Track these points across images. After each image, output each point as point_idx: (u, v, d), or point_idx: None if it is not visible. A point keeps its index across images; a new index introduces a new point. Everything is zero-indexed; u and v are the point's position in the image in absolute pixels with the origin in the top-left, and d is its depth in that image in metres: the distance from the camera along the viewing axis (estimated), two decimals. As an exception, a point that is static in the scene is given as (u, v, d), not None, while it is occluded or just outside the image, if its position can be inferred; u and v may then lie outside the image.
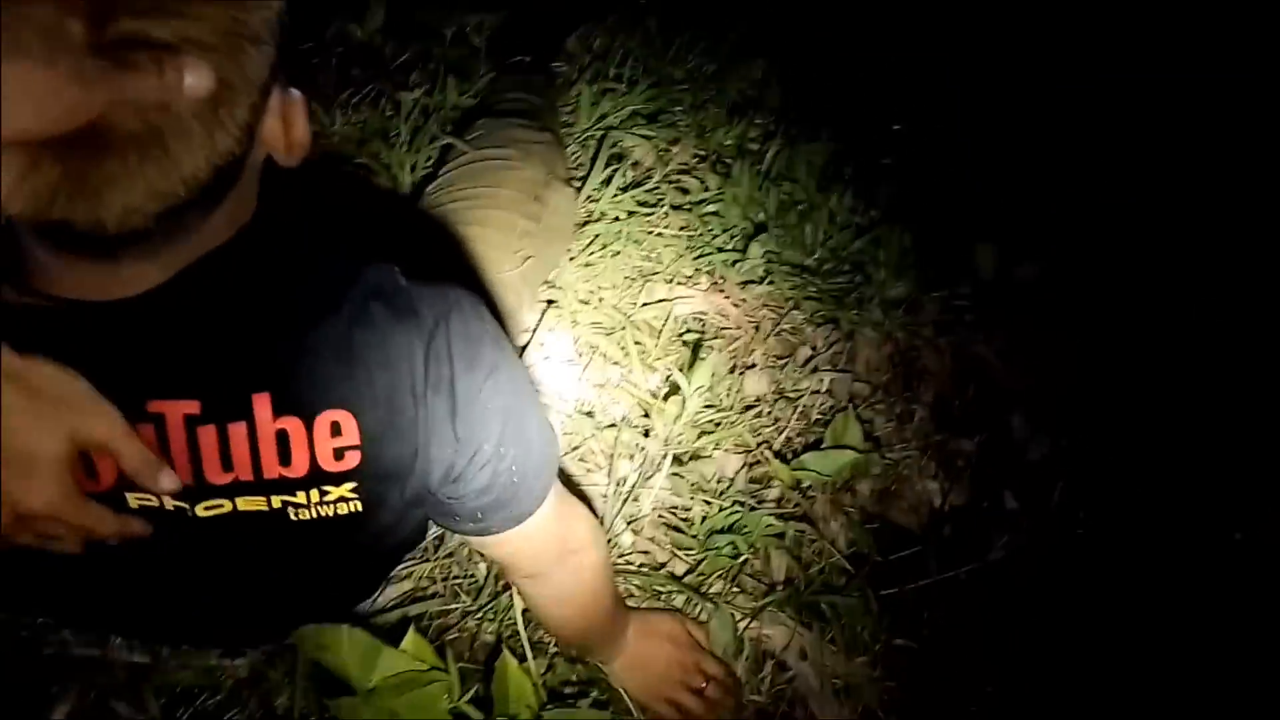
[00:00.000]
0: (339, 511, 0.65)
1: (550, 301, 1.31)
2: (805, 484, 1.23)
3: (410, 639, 0.87)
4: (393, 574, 1.06)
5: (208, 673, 1.00)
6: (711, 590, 1.12)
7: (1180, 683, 1.10)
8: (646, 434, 1.22)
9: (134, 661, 0.99)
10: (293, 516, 0.64)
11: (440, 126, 1.46)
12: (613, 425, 1.22)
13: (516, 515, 0.74)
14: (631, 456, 1.21)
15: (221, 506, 0.63)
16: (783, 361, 1.37)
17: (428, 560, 1.10)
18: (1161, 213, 1.63)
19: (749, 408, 1.30)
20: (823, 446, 1.24)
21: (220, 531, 0.64)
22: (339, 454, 0.62)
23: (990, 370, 1.46)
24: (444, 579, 1.11)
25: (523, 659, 0.95)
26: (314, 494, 0.64)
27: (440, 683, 0.84)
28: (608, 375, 1.28)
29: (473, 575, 1.10)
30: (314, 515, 0.65)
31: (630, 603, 1.09)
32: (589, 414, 1.23)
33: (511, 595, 1.03)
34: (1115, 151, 1.71)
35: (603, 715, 0.92)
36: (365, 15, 1.60)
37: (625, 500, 1.16)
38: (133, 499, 0.61)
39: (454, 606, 1.09)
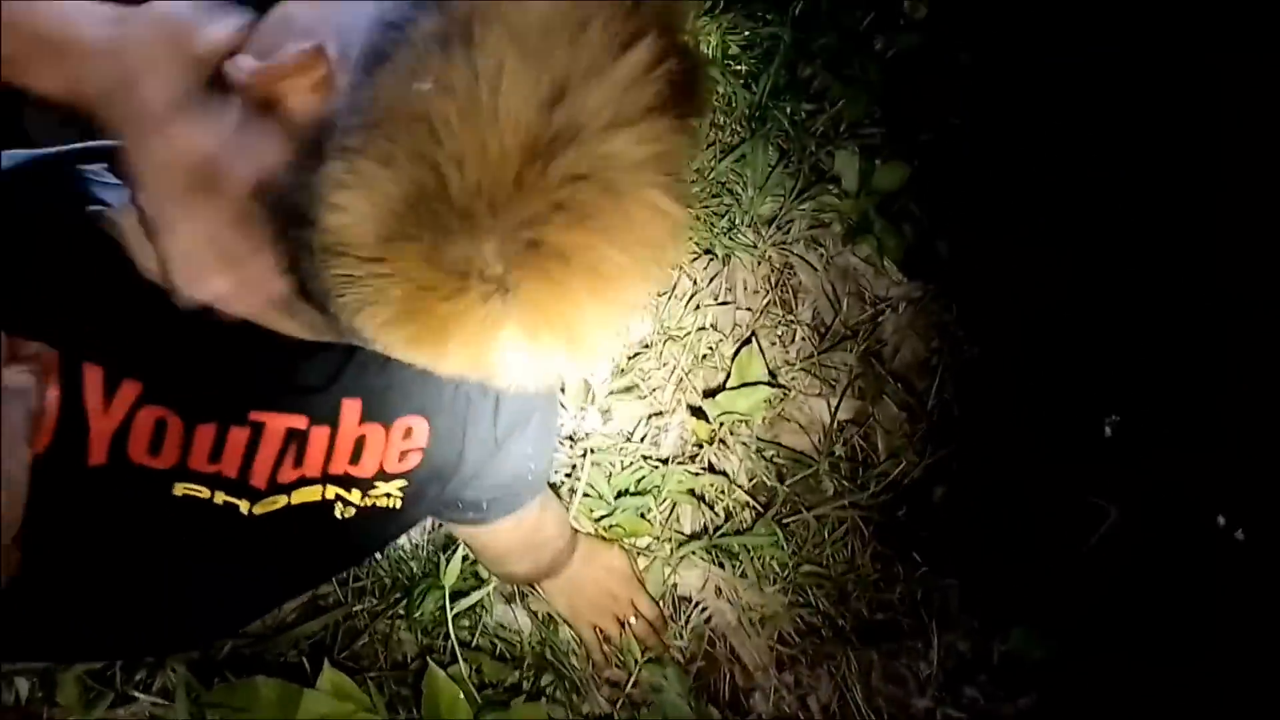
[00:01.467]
0: (377, 505, 0.64)
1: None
2: (720, 427, 1.23)
3: (326, 675, 0.82)
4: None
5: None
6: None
7: (1064, 568, 1.21)
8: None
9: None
10: (337, 515, 0.62)
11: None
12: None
13: (516, 506, 0.76)
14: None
15: (276, 503, 0.60)
16: (664, 298, 1.34)
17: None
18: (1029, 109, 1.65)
19: (637, 353, 1.27)
20: (730, 385, 1.23)
21: (257, 531, 0.60)
22: (403, 455, 0.62)
23: (861, 279, 1.49)
24: (343, 583, 1.05)
25: (449, 663, 0.92)
26: (366, 492, 0.62)
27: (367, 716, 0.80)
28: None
29: (376, 574, 1.05)
30: (356, 511, 0.63)
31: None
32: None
33: (430, 594, 1.00)
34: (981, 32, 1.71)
35: (537, 708, 0.91)
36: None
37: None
38: (180, 488, 0.56)
39: (358, 608, 1.04)
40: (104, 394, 0.51)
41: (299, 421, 0.57)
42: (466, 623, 1.05)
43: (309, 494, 0.60)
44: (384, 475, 0.62)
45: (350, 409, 0.58)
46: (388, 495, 0.63)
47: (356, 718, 0.79)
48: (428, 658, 0.93)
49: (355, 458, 0.60)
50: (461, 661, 0.93)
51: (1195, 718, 1.08)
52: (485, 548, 0.90)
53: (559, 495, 1.13)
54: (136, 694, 0.91)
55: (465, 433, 0.65)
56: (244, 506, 0.58)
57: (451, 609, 0.96)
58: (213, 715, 0.77)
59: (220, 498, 0.57)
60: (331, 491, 0.61)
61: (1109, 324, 1.35)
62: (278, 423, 0.56)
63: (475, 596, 1.00)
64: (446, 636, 0.99)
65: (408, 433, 0.61)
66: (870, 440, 1.34)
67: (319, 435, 0.58)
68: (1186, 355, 1.29)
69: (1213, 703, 1.07)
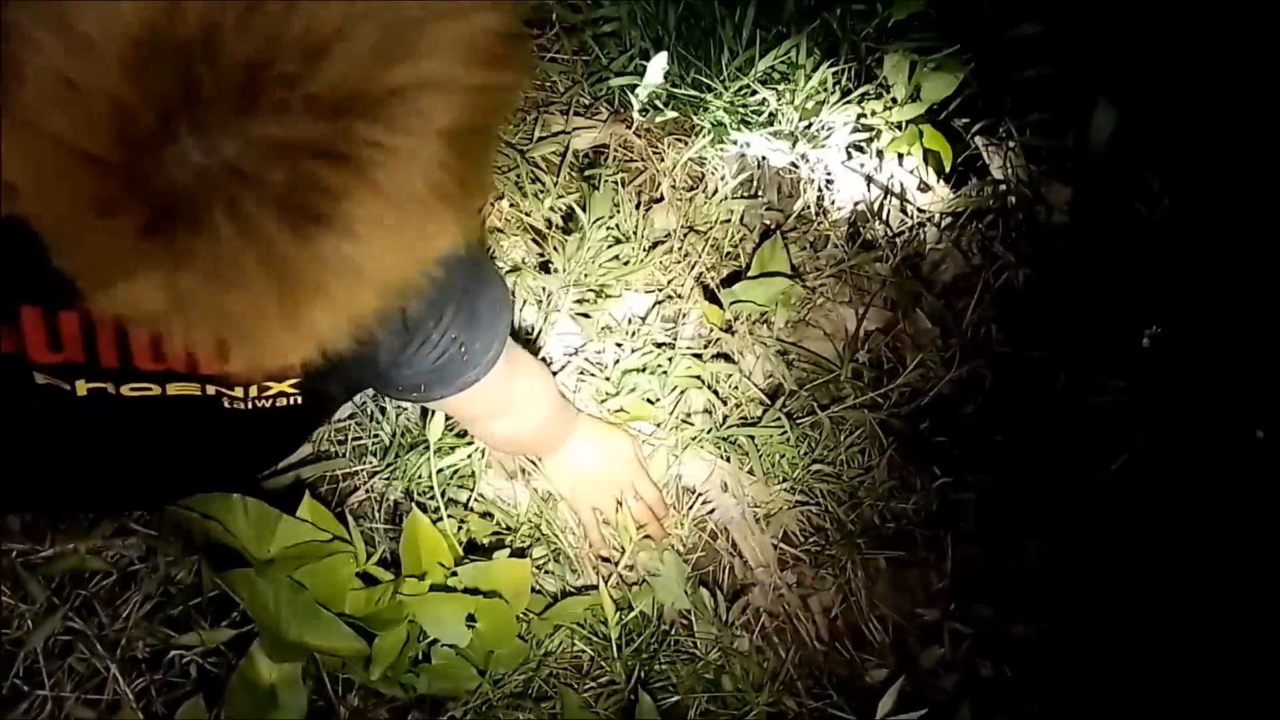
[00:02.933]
0: (277, 405, 0.61)
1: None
2: (735, 318, 1.19)
3: (306, 505, 0.82)
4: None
5: (96, 554, 0.94)
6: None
7: (1090, 486, 1.14)
8: (546, 269, 1.15)
9: (13, 548, 0.93)
10: (226, 405, 0.60)
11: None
12: (513, 270, 1.14)
13: (460, 385, 0.71)
14: (539, 303, 1.15)
15: (149, 390, 0.57)
16: (691, 193, 1.30)
17: (328, 425, 1.04)
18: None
19: (657, 244, 1.23)
20: (749, 275, 1.19)
21: (142, 410, 0.58)
22: None
23: (904, 189, 1.42)
24: (343, 441, 1.05)
25: (437, 520, 0.91)
26: (252, 390, 0.59)
27: (343, 552, 0.79)
28: (505, 216, 1.19)
29: (376, 435, 1.05)
30: (249, 407, 0.60)
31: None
32: (490, 257, 1.15)
33: (424, 453, 0.99)
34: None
35: (521, 564, 0.90)
36: None
37: (531, 346, 1.11)
38: (39, 377, 0.54)
39: (359, 468, 1.04)
40: None
41: None
42: (464, 492, 1.04)
43: (185, 388, 0.58)
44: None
45: None
46: (284, 395, 0.61)
47: (331, 548, 0.79)
48: (414, 504, 0.92)
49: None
50: (447, 518, 0.92)
51: (1213, 647, 1.02)
52: (451, 411, 0.87)
53: (557, 374, 1.11)
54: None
55: None
56: (109, 388, 0.57)
57: (437, 464, 0.94)
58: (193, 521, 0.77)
59: (82, 387, 0.55)
60: (211, 389, 0.59)
61: (1150, 240, 1.26)
62: None
63: (462, 454, 0.99)
64: (436, 495, 0.98)
65: None
66: (898, 352, 1.28)
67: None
68: (1229, 267, 1.20)
69: (1229, 628, 1.00)
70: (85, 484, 0.72)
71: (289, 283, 0.32)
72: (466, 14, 0.32)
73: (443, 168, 0.33)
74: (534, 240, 1.17)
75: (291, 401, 0.61)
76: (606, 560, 1.05)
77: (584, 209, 1.16)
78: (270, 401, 0.61)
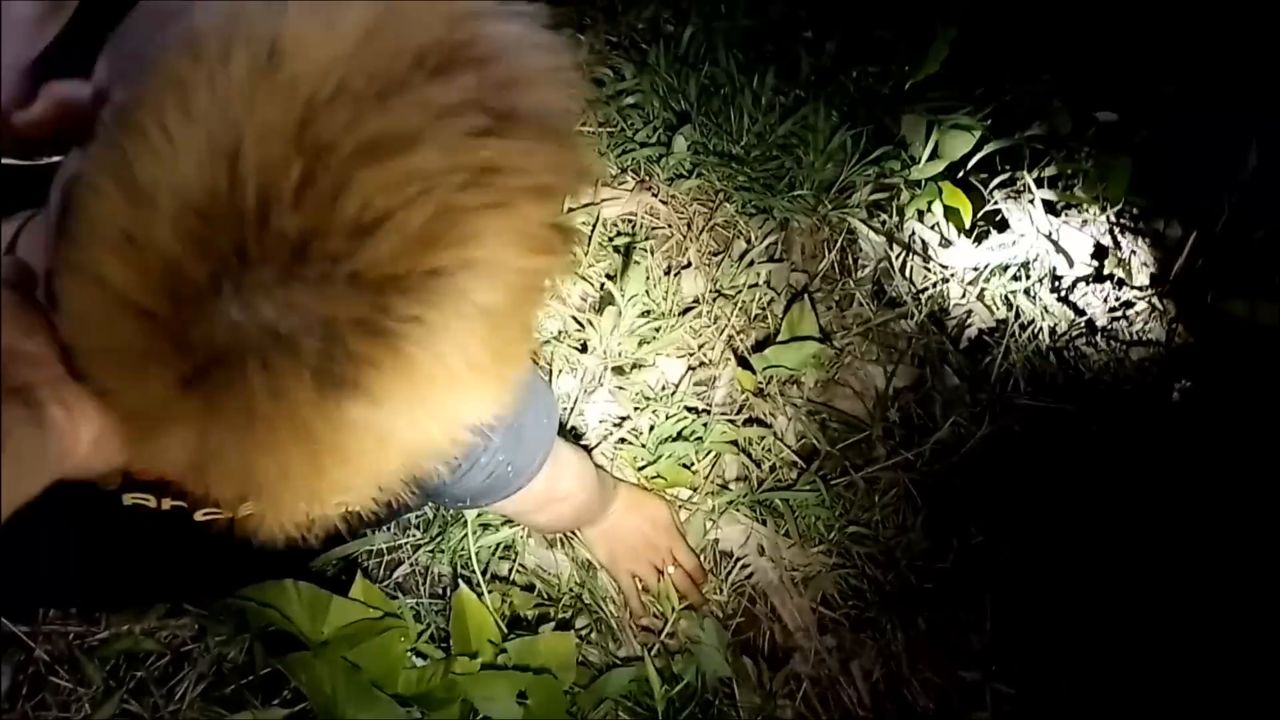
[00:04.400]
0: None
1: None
2: (766, 381, 1.21)
3: (359, 585, 0.84)
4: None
5: (150, 635, 0.96)
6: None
7: (1129, 546, 1.14)
8: (584, 348, 1.17)
9: (69, 630, 0.95)
10: None
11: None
12: (548, 341, 1.17)
13: (505, 496, 0.73)
14: (573, 371, 1.17)
15: (221, 514, 0.58)
16: (718, 257, 1.33)
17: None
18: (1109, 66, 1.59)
19: (687, 309, 1.26)
20: (780, 339, 1.21)
21: (210, 530, 0.59)
22: None
23: (927, 247, 1.44)
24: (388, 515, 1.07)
25: (480, 595, 0.93)
26: None
27: (394, 629, 0.81)
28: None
29: (421, 510, 1.07)
30: None
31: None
32: (523, 331, 1.18)
33: (465, 528, 1.01)
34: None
35: (566, 637, 0.91)
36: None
37: (571, 414, 1.13)
38: (128, 499, 0.57)
39: (403, 542, 1.06)
40: None
41: None
42: (505, 564, 1.06)
43: None
44: None
45: None
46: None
47: (383, 625, 0.80)
48: (460, 580, 0.94)
49: None
50: (488, 593, 0.94)
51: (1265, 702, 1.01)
52: (496, 510, 0.89)
53: (596, 445, 1.13)
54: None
55: None
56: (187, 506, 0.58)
57: (477, 541, 0.96)
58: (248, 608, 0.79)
59: (167, 503, 0.57)
60: None
61: (1177, 291, 1.27)
62: None
63: (505, 533, 1.00)
64: (481, 570, 0.99)
65: None
66: (928, 409, 1.29)
67: None
68: (1260, 324, 1.20)
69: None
70: (153, 584, 0.74)
71: (314, 444, 0.32)
72: (518, 205, 0.33)
73: (479, 342, 0.33)
74: (571, 315, 1.19)
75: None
76: (647, 629, 1.06)
77: (614, 280, 1.18)
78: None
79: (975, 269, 1.42)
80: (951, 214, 1.44)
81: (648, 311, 1.21)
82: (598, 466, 1.06)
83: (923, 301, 1.38)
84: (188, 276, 0.30)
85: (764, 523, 1.15)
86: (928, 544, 1.17)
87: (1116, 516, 1.15)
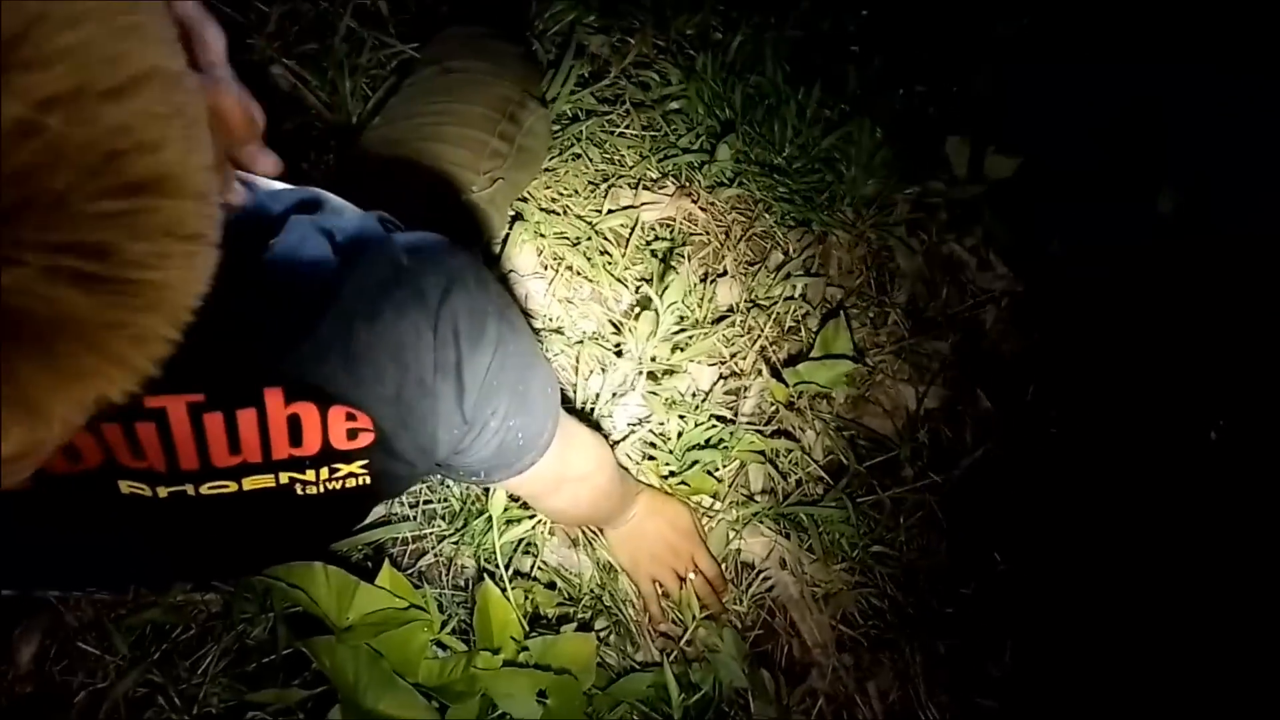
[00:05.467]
0: (346, 486, 0.62)
1: (515, 217, 1.24)
2: (797, 395, 1.20)
3: (385, 574, 0.84)
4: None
5: (176, 609, 0.97)
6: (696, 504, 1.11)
7: (1155, 582, 1.13)
8: (619, 352, 1.17)
9: (99, 599, 0.96)
10: (299, 492, 0.61)
11: (386, 37, 1.34)
12: (581, 341, 1.17)
13: (517, 469, 0.73)
14: (603, 371, 1.17)
15: (226, 487, 0.59)
16: (754, 267, 1.33)
17: (397, 488, 1.06)
18: (1141, 117, 1.58)
19: (721, 318, 1.26)
20: (813, 355, 1.21)
21: (220, 506, 0.60)
22: (352, 434, 0.59)
23: (964, 269, 1.44)
24: (414, 504, 1.08)
25: (503, 589, 0.93)
26: (323, 471, 0.61)
27: (419, 620, 0.81)
28: (575, 289, 1.23)
29: (446, 500, 1.07)
30: (321, 490, 0.62)
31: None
32: (558, 330, 1.19)
33: (490, 521, 1.01)
34: (1095, 31, 1.64)
35: (587, 639, 0.91)
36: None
37: (596, 415, 1.13)
38: (125, 486, 0.56)
39: (428, 531, 1.07)
40: None
41: (195, 397, 0.54)
42: (528, 559, 1.06)
43: (260, 481, 0.59)
44: (336, 454, 0.60)
45: (272, 395, 0.55)
46: (353, 475, 0.62)
47: (407, 615, 0.81)
48: (484, 574, 0.94)
49: (295, 439, 0.58)
50: (511, 589, 0.94)
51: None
52: (514, 489, 0.89)
53: (622, 447, 1.13)
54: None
55: (430, 416, 0.62)
56: (189, 489, 0.58)
57: (501, 536, 0.96)
58: (275, 587, 0.80)
59: (163, 491, 0.57)
60: (285, 477, 0.60)
61: (1219, 330, 1.26)
62: (178, 402, 0.53)
63: (526, 526, 1.01)
64: (505, 564, 1.00)
65: (350, 416, 0.58)
66: (958, 432, 1.29)
67: (247, 418, 0.55)
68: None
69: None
70: (166, 564, 0.74)
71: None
72: None
73: None
74: (604, 313, 1.20)
75: (361, 482, 0.62)
76: (666, 635, 1.06)
77: (651, 284, 1.19)
78: (340, 483, 0.62)
79: (1012, 293, 1.41)
80: (991, 236, 1.43)
81: (683, 317, 1.21)
82: (622, 468, 1.06)
83: (958, 323, 1.37)
84: None
85: (787, 536, 1.14)
86: (951, 568, 1.16)
87: (1146, 552, 1.14)
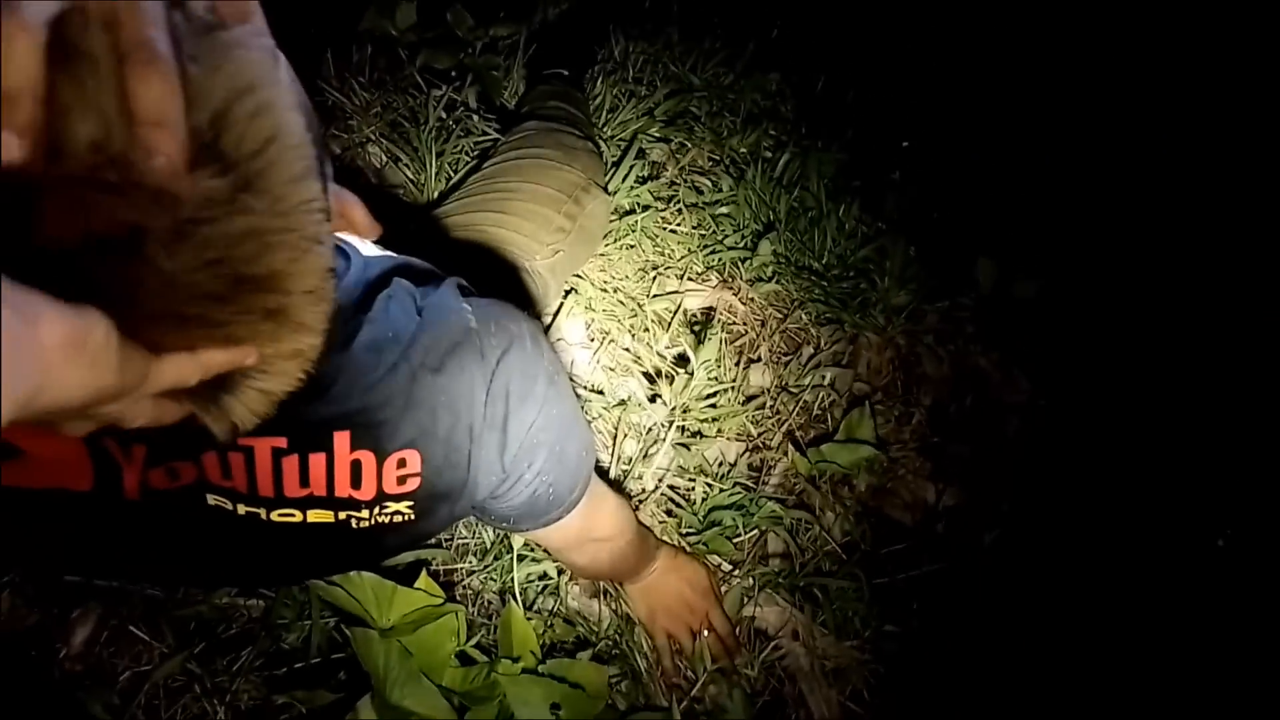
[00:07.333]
0: (393, 520, 0.70)
1: (570, 290, 1.36)
2: (821, 475, 1.27)
3: (423, 579, 0.90)
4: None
5: (221, 609, 1.03)
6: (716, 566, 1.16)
7: (1160, 674, 1.13)
8: (653, 398, 1.26)
9: (151, 594, 1.03)
10: (353, 526, 0.69)
11: (471, 127, 1.51)
12: (620, 404, 1.26)
13: (544, 521, 0.79)
14: (639, 437, 1.25)
15: (292, 516, 0.67)
16: (786, 358, 1.42)
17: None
18: (1158, 235, 1.68)
19: (751, 398, 1.34)
20: (836, 439, 1.28)
21: (284, 531, 0.68)
22: (402, 480, 0.67)
23: (988, 380, 1.51)
24: (449, 539, 1.14)
25: (526, 616, 0.98)
26: (375, 510, 0.69)
27: (449, 624, 0.87)
28: (618, 358, 1.32)
29: (479, 537, 1.14)
30: (371, 524, 0.70)
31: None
32: (599, 392, 1.27)
33: (513, 560, 1.07)
34: (1114, 174, 1.77)
35: (601, 669, 0.95)
36: (396, 13, 1.66)
37: (628, 477, 1.20)
38: (211, 498, 0.65)
39: (459, 565, 1.12)
40: (121, 452, 0.60)
41: (279, 442, 0.63)
42: (551, 599, 1.11)
43: (322, 515, 0.67)
44: (387, 496, 0.67)
45: (340, 439, 0.64)
46: (399, 513, 0.69)
47: (443, 610, 0.86)
48: (510, 599, 0.99)
49: (355, 482, 0.66)
50: (532, 621, 0.99)
51: None
52: (539, 540, 0.95)
53: (647, 504, 1.19)
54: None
55: (471, 461, 0.69)
56: (262, 514, 0.66)
57: (522, 573, 1.02)
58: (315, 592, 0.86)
59: (242, 509, 0.66)
60: (343, 514, 0.68)
61: (1236, 439, 1.30)
62: (264, 445, 0.63)
63: (546, 565, 1.06)
64: (528, 604, 1.05)
65: (401, 463, 0.66)
66: (975, 532, 1.33)
67: (317, 460, 0.64)
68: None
69: None
70: (221, 570, 0.82)
71: None
72: None
73: None
74: (644, 376, 1.29)
75: (406, 518, 0.70)
76: (677, 686, 1.09)
77: (694, 351, 1.28)
78: (389, 518, 0.70)
79: (1035, 406, 1.47)
80: (1016, 349, 1.51)
81: (715, 391, 1.29)
82: (645, 527, 1.12)
83: (981, 430, 1.43)
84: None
85: (802, 609, 1.18)
86: (962, 657, 1.18)
87: (1151, 655, 1.15)
